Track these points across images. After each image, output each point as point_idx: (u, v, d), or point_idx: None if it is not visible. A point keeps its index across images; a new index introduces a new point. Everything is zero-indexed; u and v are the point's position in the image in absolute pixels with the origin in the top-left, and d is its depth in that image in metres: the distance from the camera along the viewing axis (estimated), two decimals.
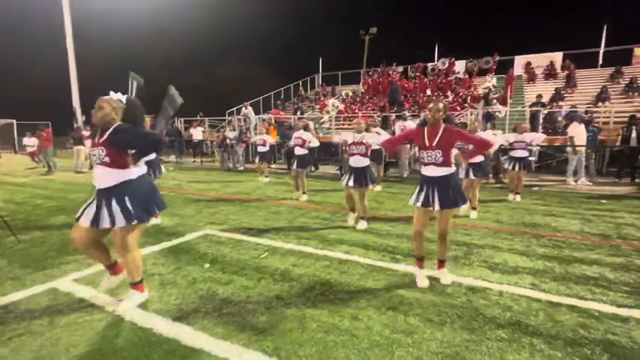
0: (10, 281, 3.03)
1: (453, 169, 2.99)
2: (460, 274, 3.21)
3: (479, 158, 5.48)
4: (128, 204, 2.42)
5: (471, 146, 3.40)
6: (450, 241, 4.11)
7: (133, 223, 2.44)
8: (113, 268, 2.72)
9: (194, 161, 14.94)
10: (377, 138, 4.72)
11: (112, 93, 2.57)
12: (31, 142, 13.82)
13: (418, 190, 3.08)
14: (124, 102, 2.57)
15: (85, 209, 2.50)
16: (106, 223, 2.40)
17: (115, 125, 2.48)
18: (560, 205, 6.26)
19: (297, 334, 2.26)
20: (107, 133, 2.45)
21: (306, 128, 7.58)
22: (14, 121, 22.85)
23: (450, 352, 2.08)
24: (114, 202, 2.41)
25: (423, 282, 2.98)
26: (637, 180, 8.58)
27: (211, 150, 15.83)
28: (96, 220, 2.42)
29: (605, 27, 16.83)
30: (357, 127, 4.77)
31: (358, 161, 4.70)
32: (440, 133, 2.94)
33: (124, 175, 2.47)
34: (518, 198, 6.57)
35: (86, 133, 11.23)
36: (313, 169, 7.25)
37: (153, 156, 4.50)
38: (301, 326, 2.35)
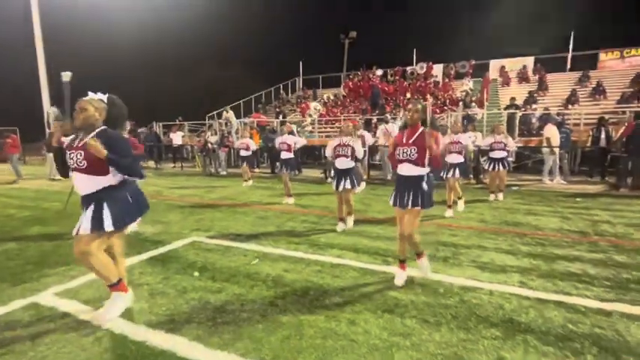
0: None
1: (426, 169, 3.05)
2: (451, 274, 3.27)
3: (459, 159, 5.65)
4: (105, 211, 2.32)
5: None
6: (438, 242, 4.22)
7: (108, 230, 2.33)
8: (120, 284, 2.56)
9: (174, 166, 14.59)
10: (360, 145, 4.86)
11: (90, 93, 2.46)
12: None
13: (394, 191, 3.17)
14: (106, 101, 2.47)
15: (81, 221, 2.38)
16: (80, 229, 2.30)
17: (100, 128, 2.39)
18: (539, 203, 6.49)
19: (295, 340, 2.24)
20: (89, 136, 2.35)
21: (290, 133, 7.56)
22: None
23: (449, 352, 2.11)
24: (91, 208, 2.32)
25: (399, 280, 3.06)
26: (607, 178, 9.02)
27: (192, 155, 15.53)
28: (96, 221, 2.32)
29: (572, 33, 17.70)
30: (345, 130, 4.80)
31: (343, 163, 4.74)
32: (417, 133, 3.03)
33: (104, 181, 2.37)
34: (500, 196, 6.78)
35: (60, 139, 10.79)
36: (297, 172, 7.23)
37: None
38: (298, 333, 2.33)
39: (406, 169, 3.07)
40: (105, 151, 2.24)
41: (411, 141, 3.03)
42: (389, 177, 10.08)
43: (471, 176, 9.22)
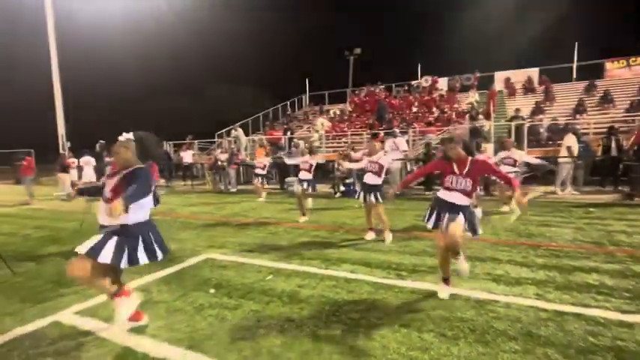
0: (10, 317, 2.92)
1: (471, 201, 3.10)
2: (466, 287, 3.26)
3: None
4: (110, 244, 2.37)
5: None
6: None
7: (102, 262, 2.34)
8: (122, 292, 2.59)
9: (184, 184, 14.79)
10: (388, 158, 5.31)
11: (124, 134, 2.60)
12: None
13: (433, 213, 3.16)
14: (134, 139, 2.60)
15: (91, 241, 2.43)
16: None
17: (133, 167, 2.52)
18: (551, 214, 6.43)
19: (314, 356, 2.25)
20: (124, 172, 2.50)
21: (311, 151, 7.37)
22: None
23: None
24: (111, 241, 2.39)
25: (443, 294, 3.05)
26: (620, 188, 8.90)
27: (201, 173, 15.73)
28: (94, 250, 2.35)
29: (576, 43, 17.81)
30: (372, 150, 5.05)
31: (371, 179, 4.92)
32: (469, 163, 3.06)
33: (121, 218, 2.40)
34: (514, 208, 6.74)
35: (71, 160, 11.03)
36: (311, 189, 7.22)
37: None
38: (317, 348, 2.34)
39: (456, 198, 3.06)
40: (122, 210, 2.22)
41: (464, 172, 3.04)
42: (398, 191, 10.08)
43: (481, 188, 9.18)
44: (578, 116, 13.10)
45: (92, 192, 2.70)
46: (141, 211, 2.50)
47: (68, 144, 16.13)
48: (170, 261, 4.26)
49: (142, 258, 2.45)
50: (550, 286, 3.23)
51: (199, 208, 8.54)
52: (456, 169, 3.09)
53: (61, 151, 14.85)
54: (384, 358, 2.20)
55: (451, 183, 3.09)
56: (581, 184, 9.21)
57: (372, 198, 4.85)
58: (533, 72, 17.82)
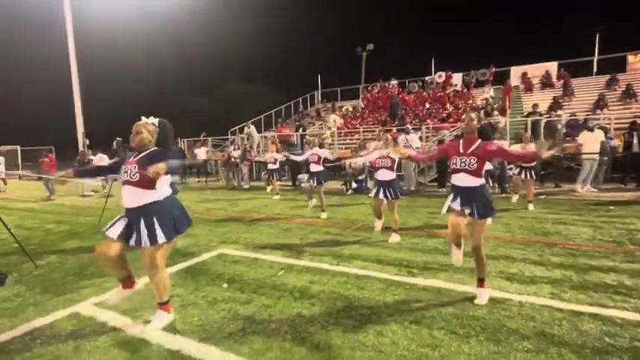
0: (33, 307, 3.04)
1: (482, 180, 2.97)
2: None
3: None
4: (156, 225, 2.48)
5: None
6: (467, 253, 4.15)
7: (161, 242, 2.48)
8: (127, 282, 2.69)
9: (198, 181, 15.02)
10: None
11: (143, 118, 2.68)
12: None
13: (451, 198, 3.02)
14: (157, 125, 2.68)
15: (114, 223, 2.54)
16: (132, 242, 2.47)
17: (150, 149, 2.62)
18: (569, 212, 6.28)
19: (324, 351, 2.27)
20: (142, 154, 2.57)
21: (321, 146, 7.47)
22: (18, 147, 23.08)
23: None
24: (142, 223, 2.47)
25: (456, 259, 2.98)
26: None
27: (215, 169, 15.94)
28: (124, 236, 2.49)
29: (597, 35, 17.23)
30: (384, 143, 4.90)
31: (384, 174, 4.80)
32: (476, 143, 2.94)
33: (152, 195, 2.53)
34: (530, 207, 6.60)
35: (91, 157, 11.32)
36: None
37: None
38: (327, 343, 2.36)
39: (461, 180, 2.97)
40: (162, 167, 2.35)
41: (469, 151, 2.95)
42: (412, 187, 10.03)
43: (495, 185, 9.03)
44: (598, 111, 12.70)
45: (84, 174, 2.72)
46: (166, 185, 2.65)
47: (87, 141, 16.58)
48: (184, 256, 4.35)
49: (182, 226, 2.64)
50: (566, 286, 3.17)
51: (213, 205, 8.66)
52: (461, 149, 2.99)
53: (80, 148, 15.28)
54: (393, 355, 2.21)
55: (456, 164, 2.98)
56: (601, 181, 8.95)
57: (388, 194, 4.73)
58: (552, 66, 17.32)
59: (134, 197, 2.50)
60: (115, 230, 2.49)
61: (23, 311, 2.97)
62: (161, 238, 2.48)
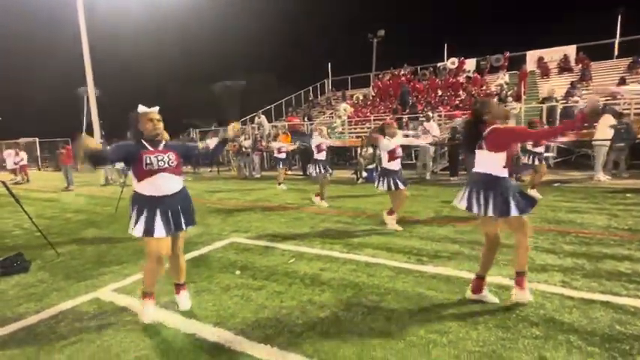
0: (56, 292, 3.19)
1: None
2: (488, 273, 3.22)
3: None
4: (190, 209, 2.69)
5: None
6: (474, 241, 4.15)
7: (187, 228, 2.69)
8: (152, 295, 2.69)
9: (211, 171, 15.21)
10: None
11: (141, 106, 2.61)
12: (11, 158, 14.32)
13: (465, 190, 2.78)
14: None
15: (152, 223, 2.47)
16: (173, 229, 2.56)
17: (166, 137, 2.72)
18: (583, 200, 6.17)
19: (334, 336, 2.33)
20: (168, 142, 2.66)
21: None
22: (37, 139, 23.73)
23: (487, 350, 2.11)
24: (180, 207, 2.61)
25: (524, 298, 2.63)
26: None
27: (227, 159, 16.10)
28: (177, 225, 2.58)
29: (619, 16, 16.51)
30: (392, 132, 4.83)
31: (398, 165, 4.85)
32: (487, 131, 2.63)
33: (182, 181, 2.70)
34: (535, 193, 6.53)
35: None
36: (331, 173, 7.33)
37: None
38: (337, 328, 2.42)
39: (479, 166, 2.69)
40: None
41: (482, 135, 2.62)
42: (428, 176, 10.00)
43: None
44: (619, 96, 12.28)
45: (98, 159, 2.50)
46: None
47: (102, 132, 16.88)
48: (197, 244, 4.47)
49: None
50: (578, 274, 3.15)
51: (225, 194, 8.80)
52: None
53: (98, 139, 15.60)
54: (402, 340, 2.25)
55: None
56: (623, 169, 8.71)
57: (399, 184, 4.76)
58: (570, 49, 16.73)
59: (175, 182, 2.61)
60: (162, 229, 2.48)
61: (47, 296, 3.12)
62: (194, 221, 2.72)
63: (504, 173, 2.61)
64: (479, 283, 2.72)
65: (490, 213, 2.56)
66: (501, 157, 2.59)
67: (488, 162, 2.63)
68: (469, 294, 2.77)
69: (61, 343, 2.38)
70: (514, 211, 2.51)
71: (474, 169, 2.73)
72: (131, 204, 2.55)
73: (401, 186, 4.78)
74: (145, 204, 2.50)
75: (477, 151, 2.70)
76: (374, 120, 14.72)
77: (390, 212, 4.87)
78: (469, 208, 2.67)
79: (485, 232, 2.72)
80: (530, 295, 2.65)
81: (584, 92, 13.38)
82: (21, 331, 2.57)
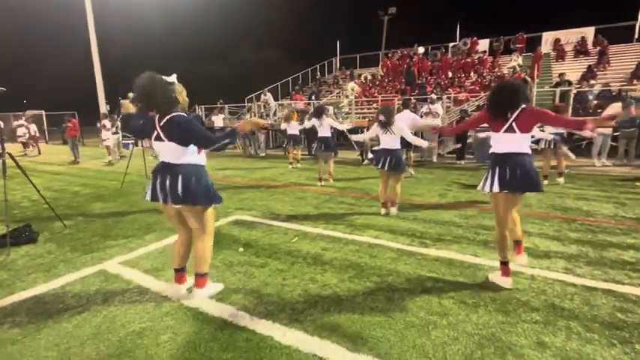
0: (63, 264, 3.26)
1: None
2: (490, 257, 3.22)
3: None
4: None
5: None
6: (479, 225, 4.14)
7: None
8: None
9: None
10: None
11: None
12: (23, 129, 14.46)
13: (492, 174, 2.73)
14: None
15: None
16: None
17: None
18: (591, 188, 6.09)
19: (335, 314, 2.36)
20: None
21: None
22: (43, 112, 23.74)
23: (486, 333, 2.13)
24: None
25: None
26: None
27: None
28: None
29: None
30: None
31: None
32: (517, 112, 2.61)
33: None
34: (561, 180, 6.46)
35: (106, 122, 11.29)
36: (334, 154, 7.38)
37: None
38: (338, 307, 2.45)
39: (508, 146, 2.68)
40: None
41: (512, 118, 2.62)
42: (434, 159, 9.90)
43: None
44: (635, 81, 11.89)
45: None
46: None
47: (107, 107, 16.85)
48: None
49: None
50: (581, 261, 3.13)
51: (231, 172, 8.81)
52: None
53: (102, 111, 15.58)
54: (402, 320, 2.28)
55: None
56: (633, 156, 8.57)
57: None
58: (589, 31, 16.11)
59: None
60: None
61: (55, 267, 3.19)
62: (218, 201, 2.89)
63: (530, 151, 2.72)
64: (507, 269, 2.73)
65: (526, 190, 2.76)
66: (529, 137, 2.69)
67: (521, 141, 2.66)
68: (507, 281, 2.71)
69: (69, 312, 2.44)
70: (542, 187, 2.74)
71: (499, 150, 2.72)
72: (197, 177, 2.67)
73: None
74: (206, 173, 2.80)
75: (501, 134, 2.68)
76: (382, 100, 14.47)
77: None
78: (508, 187, 2.65)
79: (508, 214, 2.79)
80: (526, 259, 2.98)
81: (599, 76, 12.97)
82: (30, 299, 2.64)
